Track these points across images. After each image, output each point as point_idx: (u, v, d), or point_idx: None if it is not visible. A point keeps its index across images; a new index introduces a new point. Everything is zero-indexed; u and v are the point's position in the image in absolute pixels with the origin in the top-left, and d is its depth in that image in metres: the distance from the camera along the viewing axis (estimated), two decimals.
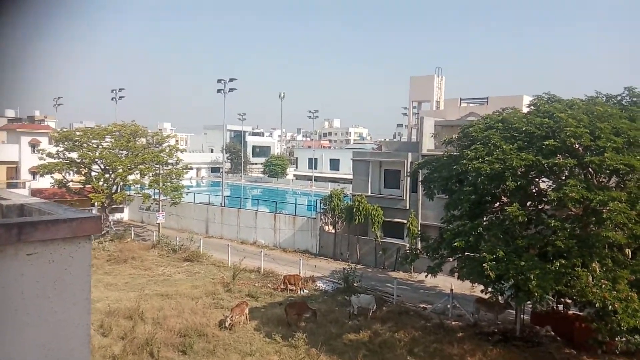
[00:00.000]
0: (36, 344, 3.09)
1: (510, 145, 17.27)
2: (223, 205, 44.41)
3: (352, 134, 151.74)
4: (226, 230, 41.99)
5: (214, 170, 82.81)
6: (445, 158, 21.04)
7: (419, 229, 29.96)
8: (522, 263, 15.09)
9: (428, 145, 31.51)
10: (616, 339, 15.59)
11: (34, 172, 44.96)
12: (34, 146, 47.62)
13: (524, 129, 17.85)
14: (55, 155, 39.22)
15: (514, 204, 16.57)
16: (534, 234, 17.21)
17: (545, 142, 16.37)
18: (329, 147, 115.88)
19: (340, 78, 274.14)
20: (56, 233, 3.27)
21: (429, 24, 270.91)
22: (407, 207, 32.26)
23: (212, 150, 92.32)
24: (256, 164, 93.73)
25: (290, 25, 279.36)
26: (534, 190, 18.58)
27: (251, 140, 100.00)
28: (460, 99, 38.81)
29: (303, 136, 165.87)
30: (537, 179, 18.59)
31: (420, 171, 24.01)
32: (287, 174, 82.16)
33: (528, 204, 18.46)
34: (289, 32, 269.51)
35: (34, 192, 43.27)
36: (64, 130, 46.17)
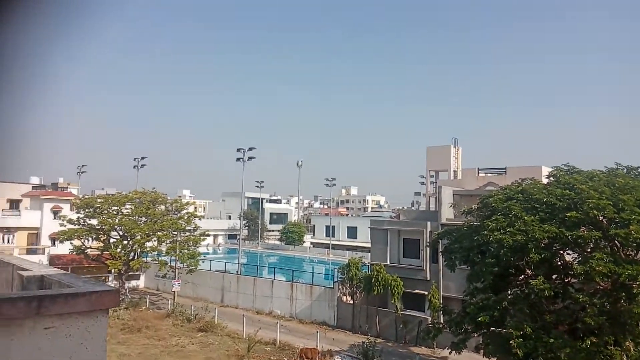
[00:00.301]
0: None
1: (532, 217, 17.00)
2: (239, 273, 43.94)
3: (370, 202, 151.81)
4: (242, 299, 41.26)
5: (231, 237, 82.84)
6: (465, 228, 20.72)
7: (441, 301, 29.03)
8: (552, 340, 14.38)
9: (447, 214, 31.22)
10: None
11: (54, 238, 45.46)
12: (55, 212, 48.46)
13: (544, 200, 17.63)
14: (75, 222, 39.78)
15: (539, 277, 16.05)
16: (561, 309, 16.53)
17: (567, 214, 16.10)
18: (347, 215, 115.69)
19: (358, 147, 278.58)
20: (74, 307, 3.23)
21: (446, 95, 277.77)
22: (428, 278, 31.47)
23: (229, 217, 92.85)
24: (273, 231, 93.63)
25: (308, 94, 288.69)
26: (559, 263, 18.03)
27: (268, 207, 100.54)
28: (478, 169, 38.85)
29: (320, 203, 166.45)
30: (561, 252, 18.09)
31: (440, 241, 23.62)
32: (304, 242, 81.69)
33: (554, 277, 17.86)
34: (307, 102, 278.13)
35: (53, 258, 43.59)
36: (86, 197, 47.18)
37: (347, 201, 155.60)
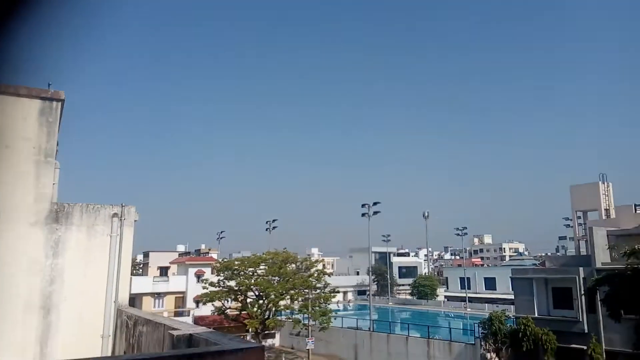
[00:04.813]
0: None
1: None
2: (371, 330, 42.74)
3: (507, 250, 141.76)
4: (376, 356, 39.88)
5: (361, 293, 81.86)
6: (629, 272, 18.06)
7: (604, 356, 25.34)
8: None
9: (602, 258, 27.70)
10: None
11: (197, 301, 48.53)
12: (199, 276, 51.97)
13: None
14: (216, 285, 42.13)
15: None
16: None
17: None
18: (482, 265, 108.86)
19: (489, 192, 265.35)
20: None
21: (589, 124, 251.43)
22: (585, 331, 27.73)
23: (357, 273, 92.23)
24: (403, 285, 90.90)
25: (431, 142, 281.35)
26: None
27: (396, 261, 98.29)
28: (635, 205, 34.47)
29: (451, 254, 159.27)
30: None
31: (599, 288, 20.82)
32: (437, 295, 77.83)
33: None
34: (432, 153, 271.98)
35: (197, 320, 46.35)
36: (225, 260, 50.01)
37: (481, 250, 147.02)
